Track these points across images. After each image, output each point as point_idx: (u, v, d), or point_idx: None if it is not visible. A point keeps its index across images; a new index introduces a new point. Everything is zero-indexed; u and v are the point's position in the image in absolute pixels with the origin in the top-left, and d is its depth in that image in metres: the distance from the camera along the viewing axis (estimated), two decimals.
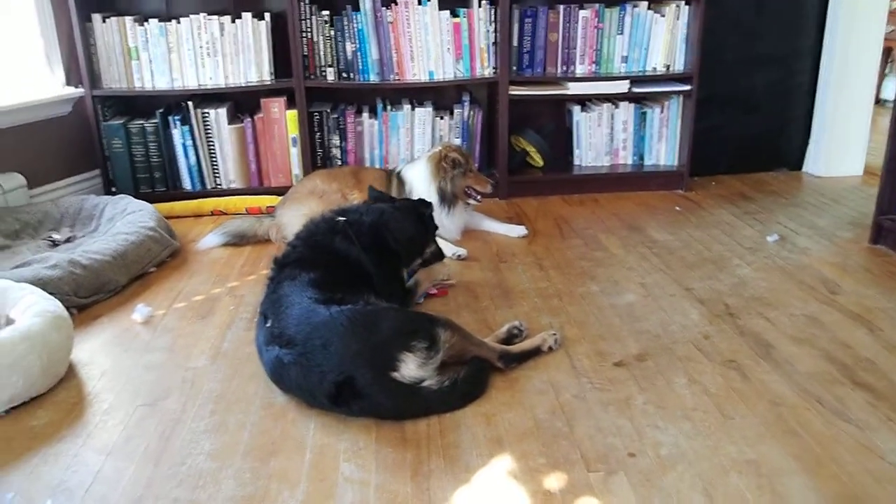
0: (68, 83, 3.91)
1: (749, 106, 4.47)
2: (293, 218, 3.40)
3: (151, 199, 3.79)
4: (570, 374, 2.30)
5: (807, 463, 1.87)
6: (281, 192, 3.81)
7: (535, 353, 2.39)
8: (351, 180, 3.64)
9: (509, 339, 2.45)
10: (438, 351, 2.11)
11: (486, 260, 3.27)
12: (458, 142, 4.10)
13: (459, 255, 3.28)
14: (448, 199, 3.43)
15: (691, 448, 1.93)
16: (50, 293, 2.56)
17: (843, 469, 1.85)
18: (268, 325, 2.18)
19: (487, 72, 4.02)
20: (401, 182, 3.56)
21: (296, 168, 4.05)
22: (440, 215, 3.35)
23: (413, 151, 4.12)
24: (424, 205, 2.81)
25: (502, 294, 2.89)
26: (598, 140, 4.26)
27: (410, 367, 2.03)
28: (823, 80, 4.42)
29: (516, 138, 4.26)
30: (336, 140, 4.08)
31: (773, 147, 4.58)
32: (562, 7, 4.00)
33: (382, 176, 3.71)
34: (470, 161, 3.49)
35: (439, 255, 2.85)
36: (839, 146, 4.48)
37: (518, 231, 3.55)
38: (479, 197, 3.51)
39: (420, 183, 3.46)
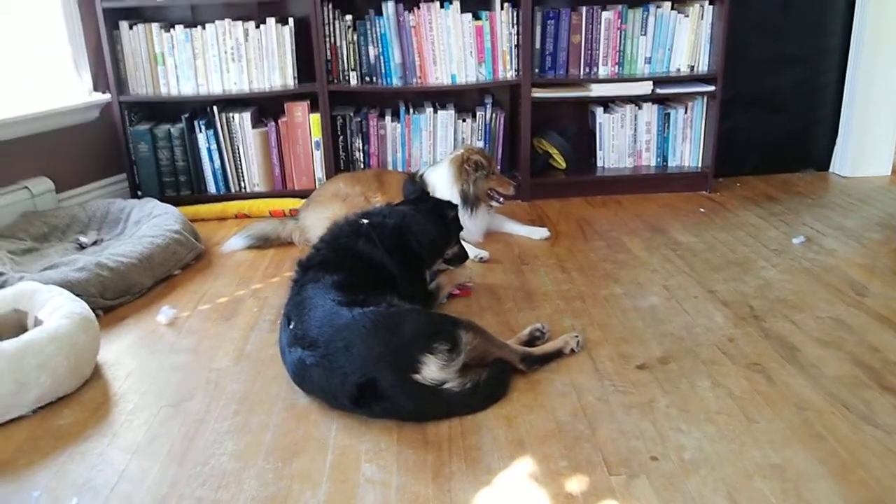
0: (96, 89, 3.97)
1: (774, 106, 4.42)
2: (316, 221, 3.41)
3: (177, 202, 3.83)
4: (592, 376, 2.29)
5: (833, 468, 1.84)
6: (304, 195, 3.83)
7: (558, 355, 2.38)
8: (374, 183, 3.65)
9: (531, 341, 2.45)
10: (460, 353, 2.11)
11: (508, 262, 3.27)
12: (480, 144, 4.10)
13: (482, 258, 3.28)
14: (471, 202, 3.43)
15: (715, 452, 1.91)
16: (77, 295, 2.59)
17: (871, 474, 1.82)
18: (291, 327, 2.19)
19: (510, 74, 4.01)
20: (423, 185, 3.55)
21: (319, 171, 4.07)
22: (462, 218, 3.33)
23: (435, 154, 4.12)
24: (449, 206, 2.82)
25: (525, 296, 2.89)
26: (622, 142, 4.24)
27: (432, 369, 2.03)
28: (850, 79, 4.36)
29: (539, 140, 4.25)
30: (359, 143, 4.10)
31: (799, 147, 4.52)
32: (584, 9, 3.98)
33: (405, 179, 3.71)
34: (492, 163, 3.49)
35: (463, 257, 2.85)
36: (867, 146, 4.41)
37: (540, 233, 3.55)
38: (501, 199, 3.50)
39: (443, 186, 3.46)
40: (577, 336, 2.44)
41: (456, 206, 2.85)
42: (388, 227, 2.56)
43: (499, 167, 4.11)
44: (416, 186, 2.89)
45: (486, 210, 3.53)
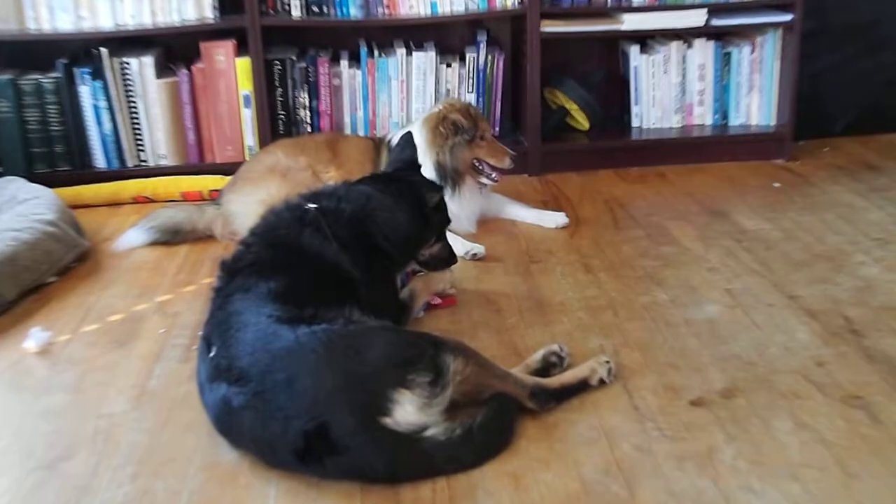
0: None
1: (876, 42, 4.43)
2: (246, 206, 3.40)
3: (51, 182, 3.79)
4: (629, 416, 2.28)
5: None
6: (229, 170, 3.82)
7: (582, 387, 2.39)
8: (325, 153, 3.63)
9: (545, 369, 2.45)
10: (446, 386, 2.11)
11: (511, 260, 3.27)
12: (470, 99, 4.09)
13: (475, 254, 3.27)
14: (449, 177, 3.42)
15: None
16: None
17: None
18: (212, 354, 2.18)
19: (510, 1, 4.00)
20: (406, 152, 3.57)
21: (249, 137, 4.06)
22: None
23: (410, 112, 4.11)
24: (431, 187, 2.81)
25: (535, 307, 2.88)
26: (665, 93, 4.25)
27: (408, 410, 2.03)
28: None
29: (552, 92, 4.25)
30: (304, 98, 4.09)
31: None
32: None
33: (369, 147, 3.69)
34: (481, 124, 3.47)
35: (447, 259, 2.85)
36: None
37: (555, 219, 3.55)
38: (494, 174, 3.50)
39: (425, 154, 3.45)
40: (607, 361, 2.44)
41: (439, 187, 2.83)
42: (345, 214, 2.55)
43: (496, 130, 4.11)
44: (407, 151, 2.88)
45: (478, 189, 3.53)
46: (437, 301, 2.91)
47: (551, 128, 4.21)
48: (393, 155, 2.87)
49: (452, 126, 3.40)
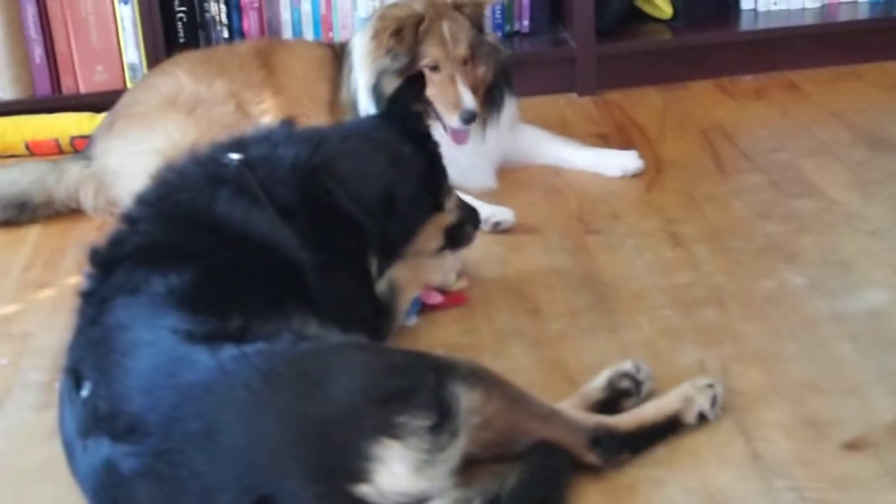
0: None
1: None
2: (132, 160, 3.42)
3: None
4: (747, 471, 2.29)
5: None
6: (102, 104, 3.85)
7: (671, 428, 2.40)
8: (255, 73, 3.66)
9: (613, 400, 2.46)
10: (457, 433, 2.11)
11: (555, 230, 3.29)
12: None
13: (497, 223, 3.29)
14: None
15: None
16: None
17: None
18: (85, 394, 2.18)
19: None
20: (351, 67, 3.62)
21: (131, 51, 4.10)
22: (439, 136, 3.32)
23: None
24: (413, 119, 2.82)
25: (594, 301, 2.91)
26: None
27: (396, 473, 2.01)
28: None
29: None
30: None
31: None
32: None
33: (323, 58, 3.73)
34: (431, 47, 3.42)
35: (469, 227, 2.89)
36: None
37: (622, 163, 3.59)
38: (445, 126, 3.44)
39: (361, 71, 3.54)
40: (710, 385, 2.45)
41: (416, 79, 2.85)
42: (284, 164, 2.58)
43: (523, 22, 4.13)
44: (414, 88, 2.87)
45: (491, 117, 3.56)
46: (438, 299, 2.92)
47: (614, 17, 4.23)
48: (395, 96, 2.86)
49: (391, 34, 3.42)
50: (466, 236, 2.89)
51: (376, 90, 3.44)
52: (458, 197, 2.88)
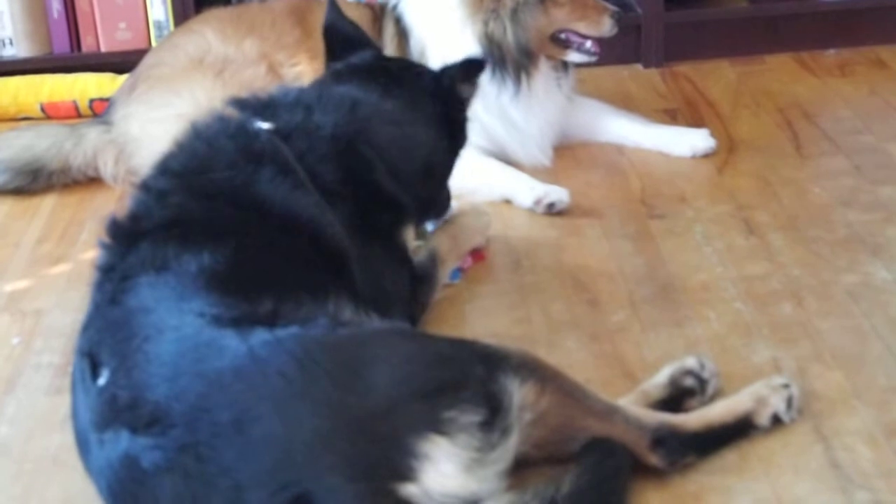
0: None
1: None
2: (154, 125, 3.44)
3: None
4: (826, 481, 2.27)
5: None
6: (124, 65, 3.88)
7: (741, 429, 2.38)
8: (289, 32, 3.67)
9: (677, 398, 2.46)
10: (508, 431, 2.10)
11: (616, 214, 3.30)
12: None
13: (551, 204, 3.28)
14: (512, 62, 3.43)
15: None
16: None
17: None
18: (102, 382, 2.17)
19: None
20: (402, 31, 3.61)
21: (157, 7, 4.11)
22: (499, 104, 3.40)
23: None
24: (463, 71, 2.81)
25: (657, 292, 2.91)
26: None
27: (444, 472, 2.00)
28: None
29: None
30: None
31: None
32: None
33: (364, 19, 3.67)
34: None
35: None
36: None
37: (692, 142, 3.58)
38: (588, 44, 3.48)
39: (441, 30, 3.50)
40: (785, 386, 2.43)
41: (481, 63, 2.85)
42: (324, 136, 2.57)
43: None
44: (472, 71, 2.87)
45: (556, 81, 3.56)
46: (468, 263, 2.99)
47: None
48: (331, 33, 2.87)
49: None
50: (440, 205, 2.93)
51: (491, 36, 3.42)
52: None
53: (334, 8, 2.91)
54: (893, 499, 2.23)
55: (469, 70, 2.82)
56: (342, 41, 2.88)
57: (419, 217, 2.80)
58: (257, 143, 2.52)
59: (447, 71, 2.81)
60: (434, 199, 2.83)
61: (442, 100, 2.76)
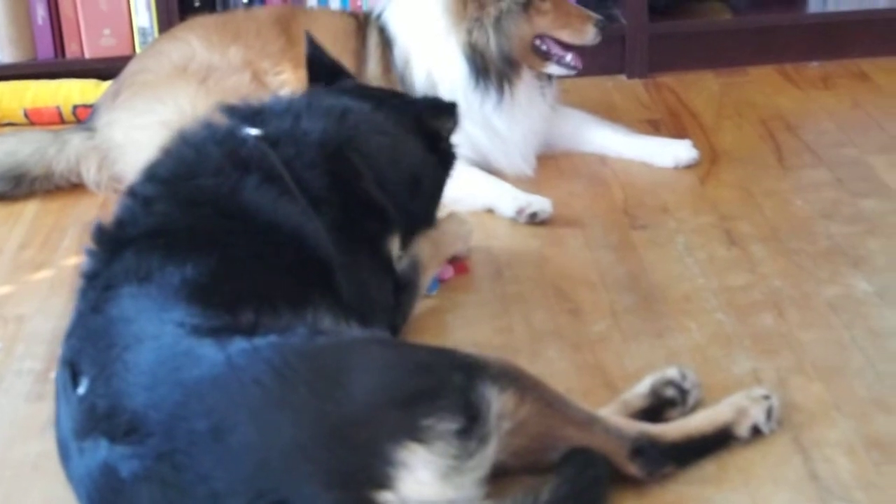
0: None
1: None
2: (137, 132, 3.44)
3: None
4: (804, 492, 2.28)
5: None
6: (108, 71, 3.88)
7: (721, 440, 2.39)
8: (274, 40, 3.67)
9: (657, 409, 2.47)
10: (487, 439, 2.10)
11: (598, 224, 3.30)
12: None
13: (534, 214, 3.29)
14: (495, 72, 3.44)
15: None
16: None
17: None
18: (82, 390, 2.18)
19: None
20: (386, 41, 3.60)
21: (142, 13, 4.11)
22: (482, 113, 3.40)
23: None
24: (434, 107, 2.84)
25: (639, 302, 2.92)
26: None
27: (421, 480, 2.01)
28: None
29: None
30: None
31: None
32: None
33: (347, 28, 3.72)
34: None
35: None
36: None
37: (675, 153, 3.59)
38: (569, 58, 3.50)
39: (425, 39, 3.49)
40: (765, 397, 2.44)
41: (454, 107, 2.84)
42: (311, 142, 2.57)
43: None
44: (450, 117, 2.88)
45: (540, 91, 3.57)
46: (450, 273, 2.98)
47: None
48: (311, 56, 2.89)
49: None
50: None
51: (475, 46, 3.42)
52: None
53: (312, 42, 2.94)
54: None
55: (439, 110, 2.84)
56: (325, 72, 2.90)
57: (405, 231, 2.78)
58: (244, 148, 2.54)
59: (420, 105, 2.86)
60: (421, 215, 2.83)
61: (422, 125, 2.77)
